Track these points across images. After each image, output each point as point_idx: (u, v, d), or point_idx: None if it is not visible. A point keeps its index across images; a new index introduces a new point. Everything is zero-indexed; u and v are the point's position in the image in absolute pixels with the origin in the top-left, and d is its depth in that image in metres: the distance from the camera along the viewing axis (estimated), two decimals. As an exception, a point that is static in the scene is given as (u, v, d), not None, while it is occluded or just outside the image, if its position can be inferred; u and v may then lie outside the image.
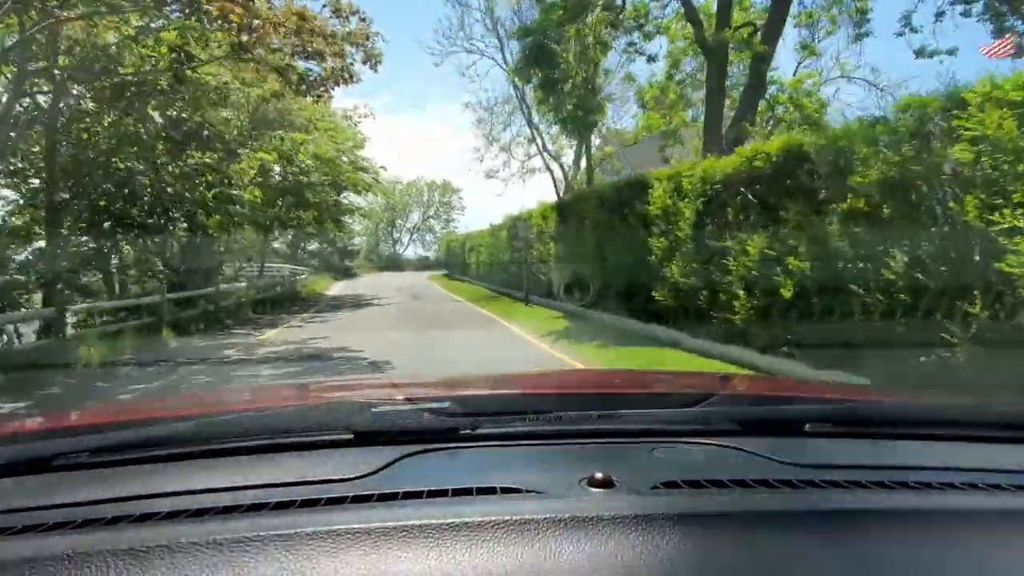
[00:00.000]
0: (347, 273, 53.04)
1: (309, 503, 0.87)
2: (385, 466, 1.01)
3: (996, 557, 0.78)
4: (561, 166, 28.09)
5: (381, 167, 27.66)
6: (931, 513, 0.86)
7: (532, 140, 28.14)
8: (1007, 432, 1.25)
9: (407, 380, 2.09)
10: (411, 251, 72.60)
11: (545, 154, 28.30)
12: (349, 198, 30.96)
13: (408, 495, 0.89)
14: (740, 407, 1.34)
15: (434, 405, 1.19)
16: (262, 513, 0.85)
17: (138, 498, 0.91)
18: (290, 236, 46.85)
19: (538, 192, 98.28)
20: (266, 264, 44.12)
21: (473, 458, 1.10)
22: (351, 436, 1.11)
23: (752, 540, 0.76)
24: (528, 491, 0.90)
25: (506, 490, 0.90)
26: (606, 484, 0.90)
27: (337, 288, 35.02)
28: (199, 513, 0.85)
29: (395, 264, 65.26)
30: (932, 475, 1.00)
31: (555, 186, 27.55)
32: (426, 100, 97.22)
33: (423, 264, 66.82)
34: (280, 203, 23.66)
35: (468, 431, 1.15)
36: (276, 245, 49.57)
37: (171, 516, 0.85)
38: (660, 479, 0.93)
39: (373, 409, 1.18)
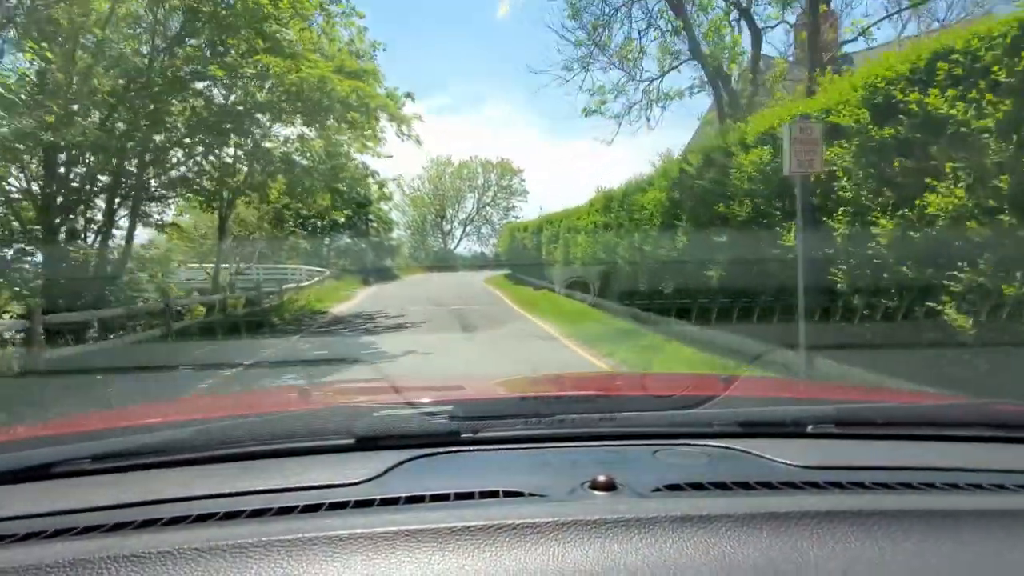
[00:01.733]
0: (384, 275, 41.75)
1: (311, 508, 0.87)
2: (387, 470, 1.01)
3: (1002, 558, 0.77)
4: (723, 82, 15.35)
5: (407, 95, 15.73)
6: (936, 514, 0.84)
7: (677, 31, 15.43)
8: (1011, 432, 1.24)
9: (409, 384, 1.82)
10: (464, 247, 61.12)
11: (694, 64, 15.61)
12: (361, 160, 19.26)
13: (410, 499, 0.89)
14: (742, 408, 1.30)
15: (436, 409, 1.19)
16: (264, 519, 0.85)
17: (139, 504, 0.90)
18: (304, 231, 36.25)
19: (648, 153, 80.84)
20: (278, 265, 33.67)
21: (475, 462, 1.10)
22: (353, 441, 1.11)
23: (756, 542, 0.75)
24: (530, 494, 0.90)
25: (508, 494, 0.90)
26: (608, 487, 0.89)
27: (356, 300, 23.49)
28: (201, 519, 0.85)
29: (445, 262, 53.55)
30: (936, 476, 0.99)
31: (721, 109, 14.85)
32: (483, 100, 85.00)
33: (479, 262, 55.01)
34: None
35: (470, 435, 1.14)
36: (301, 243, 39.23)
37: (173, 522, 0.84)
38: (663, 481, 0.93)
39: (374, 413, 1.18)
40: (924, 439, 1.20)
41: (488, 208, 57.98)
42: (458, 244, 57.93)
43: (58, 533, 0.82)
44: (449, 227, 57.84)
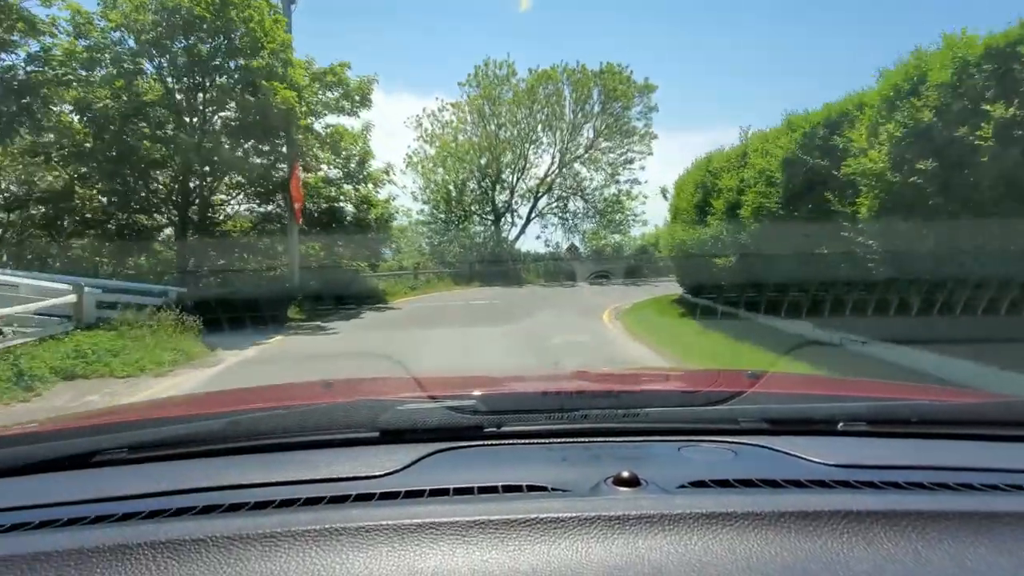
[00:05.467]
0: (345, 301, 15.86)
1: (338, 500, 0.89)
2: (411, 463, 1.02)
3: None
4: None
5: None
6: (974, 516, 0.81)
7: None
8: None
9: (433, 378, 1.77)
10: (534, 236, 35.38)
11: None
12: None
13: (435, 492, 0.90)
14: (770, 405, 1.29)
15: (459, 403, 1.20)
16: (293, 509, 0.87)
17: (174, 493, 0.94)
18: None
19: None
20: None
21: (498, 456, 1.11)
22: (377, 434, 1.13)
23: (783, 541, 0.74)
24: (554, 489, 0.90)
25: (532, 488, 0.91)
26: (632, 483, 0.89)
27: None
28: (232, 508, 0.87)
29: (499, 265, 27.33)
30: (974, 476, 0.97)
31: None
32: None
33: (558, 268, 28.92)
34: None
35: (493, 429, 1.15)
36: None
37: (205, 511, 0.87)
38: (688, 478, 0.93)
39: (399, 407, 1.19)
40: (961, 438, 1.18)
41: (581, 164, 31.56)
42: (523, 230, 31.78)
43: (98, 520, 0.85)
44: (507, 199, 31.71)
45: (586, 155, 31.32)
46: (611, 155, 31.45)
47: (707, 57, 58.37)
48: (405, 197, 28.61)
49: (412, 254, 27.35)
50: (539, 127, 30.49)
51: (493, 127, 29.80)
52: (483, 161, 29.81)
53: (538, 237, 34.35)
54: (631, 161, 31.40)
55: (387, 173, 19.26)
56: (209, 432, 1.12)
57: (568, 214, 32.40)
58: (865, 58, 57.07)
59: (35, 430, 1.33)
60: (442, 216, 30.98)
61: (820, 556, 0.71)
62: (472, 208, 31.25)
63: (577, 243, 31.66)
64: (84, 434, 1.21)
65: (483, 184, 30.81)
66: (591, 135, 30.84)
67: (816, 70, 54.34)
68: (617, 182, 31.65)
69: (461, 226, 30.53)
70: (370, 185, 19.07)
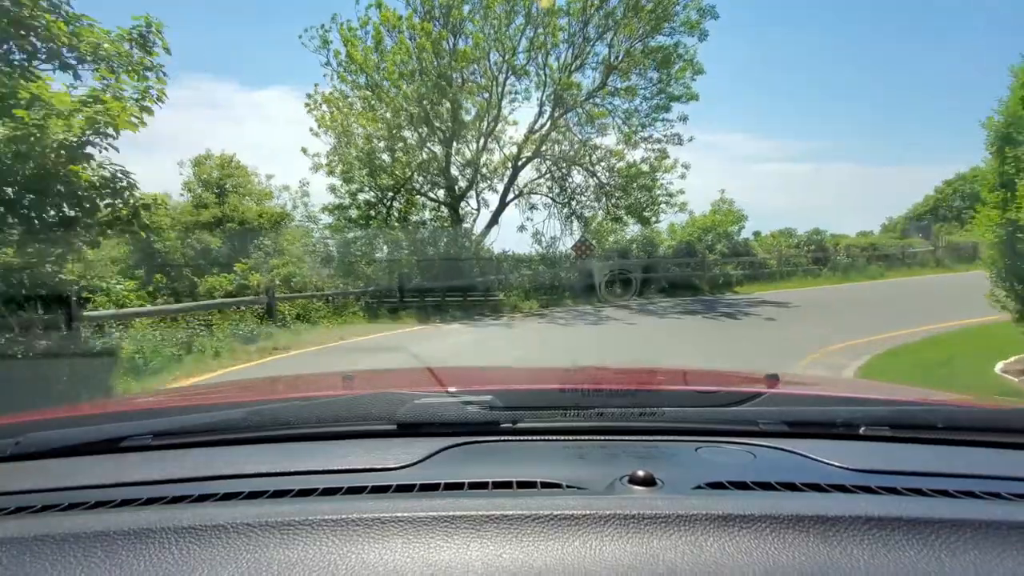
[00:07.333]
0: None
1: (355, 490, 0.90)
2: (427, 457, 1.03)
3: None
4: None
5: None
6: (1001, 526, 0.79)
7: None
8: None
9: (450, 373, 1.84)
10: (515, 224, 24.14)
11: None
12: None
13: (449, 486, 0.91)
14: (789, 407, 1.28)
15: (476, 398, 1.20)
16: (310, 498, 0.88)
17: (196, 480, 0.95)
18: None
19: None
20: None
21: (513, 452, 1.11)
22: (394, 427, 1.14)
23: (802, 545, 0.73)
24: (568, 486, 0.90)
25: (546, 484, 0.91)
26: (648, 482, 0.89)
27: None
28: (252, 496, 0.88)
29: (456, 276, 15.30)
30: (1002, 485, 0.95)
31: None
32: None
33: (560, 281, 17.09)
34: None
35: (509, 425, 1.16)
36: None
37: (226, 498, 0.88)
38: (704, 479, 0.92)
39: (416, 401, 1.19)
40: (988, 445, 1.15)
41: (589, 110, 19.65)
42: (495, 219, 19.79)
43: (124, 503, 0.87)
44: (471, 159, 19.54)
45: (596, 99, 19.54)
46: (634, 101, 19.74)
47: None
48: (299, 163, 16.30)
49: (297, 261, 15.17)
50: (521, 48, 18.58)
51: (448, 45, 17.79)
52: (429, 107, 17.74)
53: (521, 228, 22.32)
54: (666, 108, 19.76)
55: (140, 42, 7.09)
56: (231, 421, 1.14)
57: (566, 195, 20.56)
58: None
59: (67, 415, 1.37)
60: (368, 197, 18.90)
61: (840, 562, 0.70)
62: (412, 181, 19.12)
63: (588, 235, 19.78)
64: (113, 420, 1.24)
65: (429, 142, 18.69)
66: (605, 60, 19.04)
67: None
68: (648, 139, 19.93)
69: (390, 210, 18.36)
70: (72, 78, 6.88)
